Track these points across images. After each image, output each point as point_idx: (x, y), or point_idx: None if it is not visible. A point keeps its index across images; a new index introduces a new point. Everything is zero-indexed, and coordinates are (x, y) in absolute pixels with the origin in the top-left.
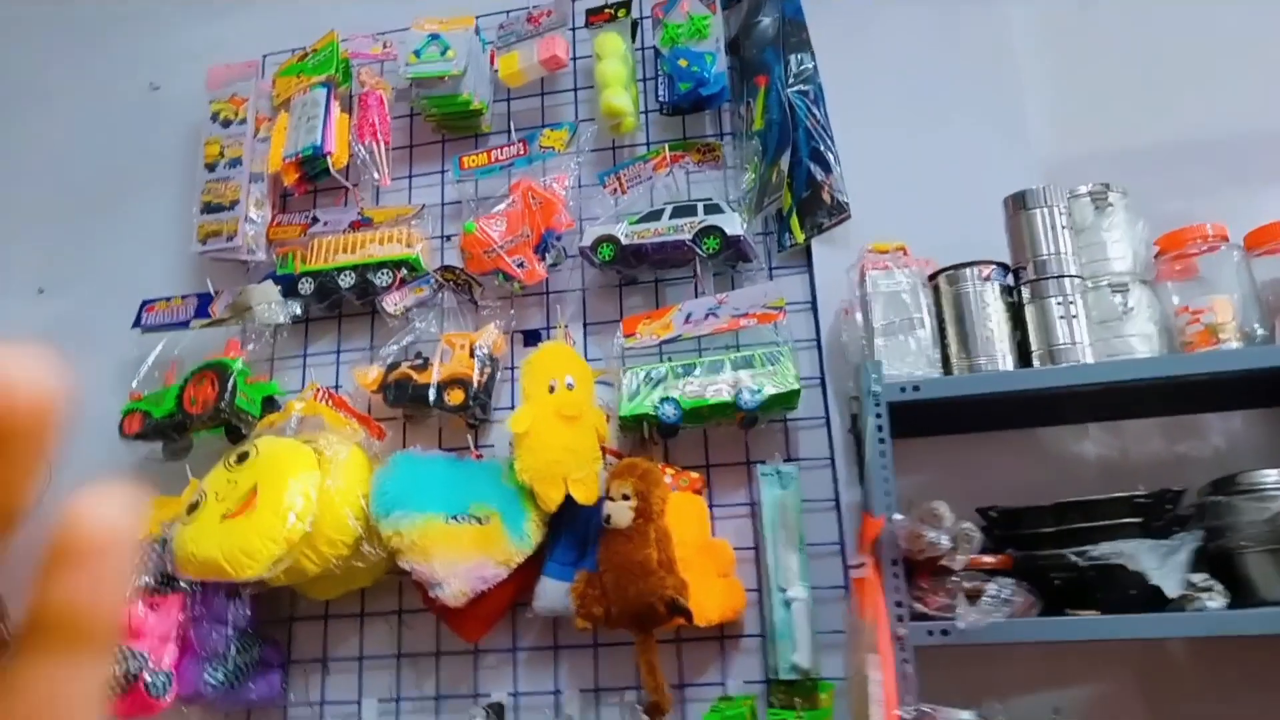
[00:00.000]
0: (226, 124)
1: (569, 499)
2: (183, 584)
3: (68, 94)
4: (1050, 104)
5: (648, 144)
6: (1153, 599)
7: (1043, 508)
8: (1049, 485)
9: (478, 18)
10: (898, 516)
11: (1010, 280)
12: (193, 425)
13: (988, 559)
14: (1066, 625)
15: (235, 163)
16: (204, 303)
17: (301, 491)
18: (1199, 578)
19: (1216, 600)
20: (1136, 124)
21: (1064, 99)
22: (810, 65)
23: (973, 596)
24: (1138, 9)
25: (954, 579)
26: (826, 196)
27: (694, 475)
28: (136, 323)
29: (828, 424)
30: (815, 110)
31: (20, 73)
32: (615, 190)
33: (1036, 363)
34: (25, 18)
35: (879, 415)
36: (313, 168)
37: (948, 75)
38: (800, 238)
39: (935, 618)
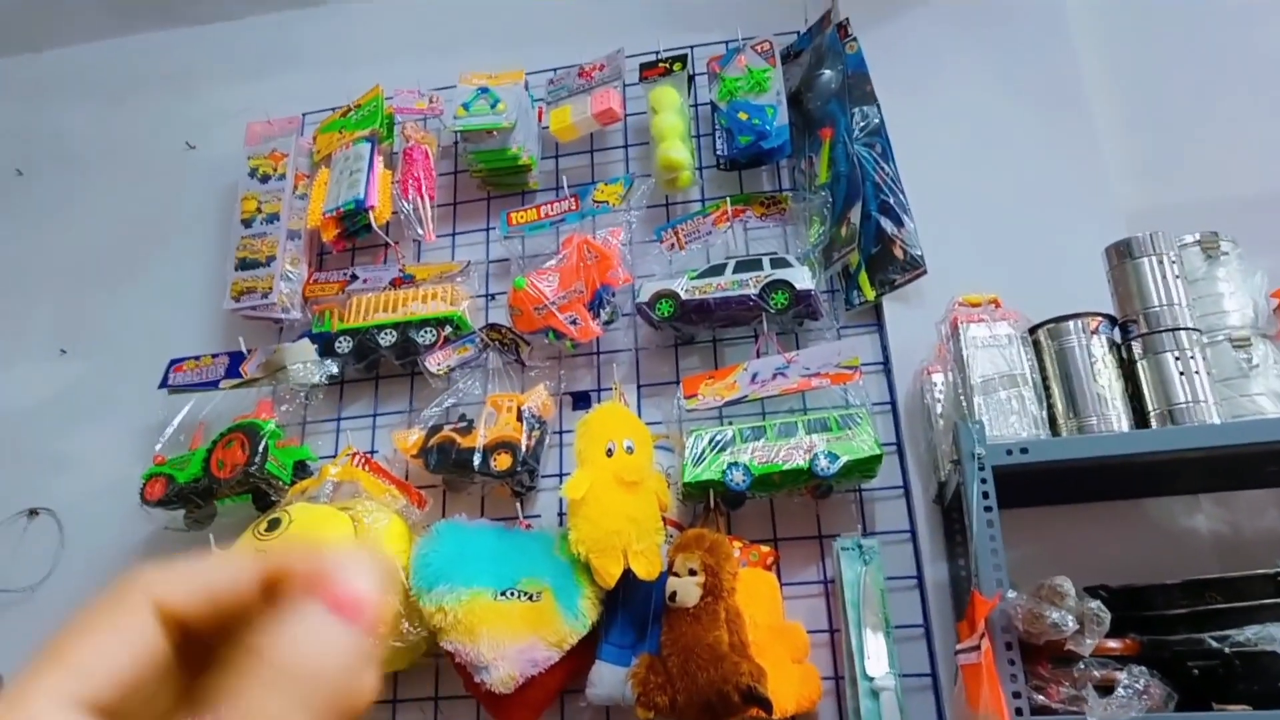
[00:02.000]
0: (265, 179)
1: (628, 574)
2: None
3: (99, 154)
4: (1129, 152)
5: (702, 200)
6: None
7: (1170, 586)
8: (1158, 563)
9: (527, 74)
10: (1012, 594)
11: (1118, 334)
12: (219, 490)
13: (1111, 643)
14: None
15: (272, 218)
16: (235, 362)
17: None
18: None
19: None
20: (1222, 174)
21: (1143, 147)
22: (876, 119)
23: (1102, 688)
24: (1205, 53)
25: (1080, 666)
26: (899, 252)
27: (764, 549)
28: (163, 383)
29: (907, 493)
30: (884, 165)
31: (51, 134)
32: (673, 245)
33: (1155, 423)
34: (56, 80)
35: (984, 481)
36: (353, 223)
37: (1018, 124)
38: (871, 295)
39: (1058, 711)
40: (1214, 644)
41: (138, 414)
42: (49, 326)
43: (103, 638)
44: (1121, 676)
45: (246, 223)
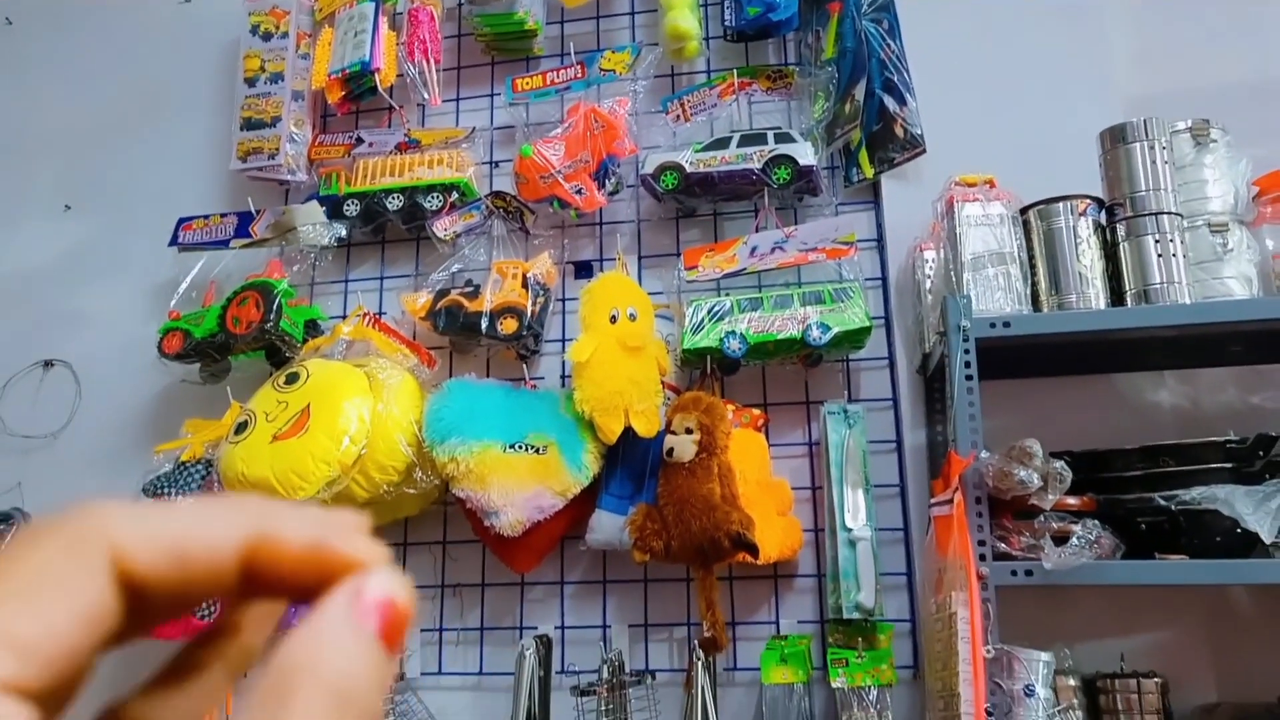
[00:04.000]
0: (267, 37)
1: (628, 431)
2: None
3: (95, 9)
4: (1133, 37)
5: (708, 72)
6: (1242, 545)
7: (1129, 450)
8: (1123, 432)
9: None
10: (985, 454)
11: (1104, 217)
12: (235, 346)
13: (1071, 500)
14: (1159, 569)
15: (276, 77)
16: (244, 222)
17: (356, 414)
18: None
19: None
20: (1223, 60)
21: (1147, 32)
22: None
23: (1058, 538)
24: None
25: (1040, 519)
26: (899, 130)
27: (755, 412)
28: (173, 241)
29: (891, 365)
30: (890, 42)
31: None
32: (678, 117)
33: (1130, 302)
34: None
35: (967, 351)
36: (358, 85)
37: (1026, 5)
38: (869, 172)
39: (1017, 558)
40: (1162, 502)
41: (147, 271)
42: (52, 183)
43: (44, 599)
44: (1076, 529)
45: (250, 81)
